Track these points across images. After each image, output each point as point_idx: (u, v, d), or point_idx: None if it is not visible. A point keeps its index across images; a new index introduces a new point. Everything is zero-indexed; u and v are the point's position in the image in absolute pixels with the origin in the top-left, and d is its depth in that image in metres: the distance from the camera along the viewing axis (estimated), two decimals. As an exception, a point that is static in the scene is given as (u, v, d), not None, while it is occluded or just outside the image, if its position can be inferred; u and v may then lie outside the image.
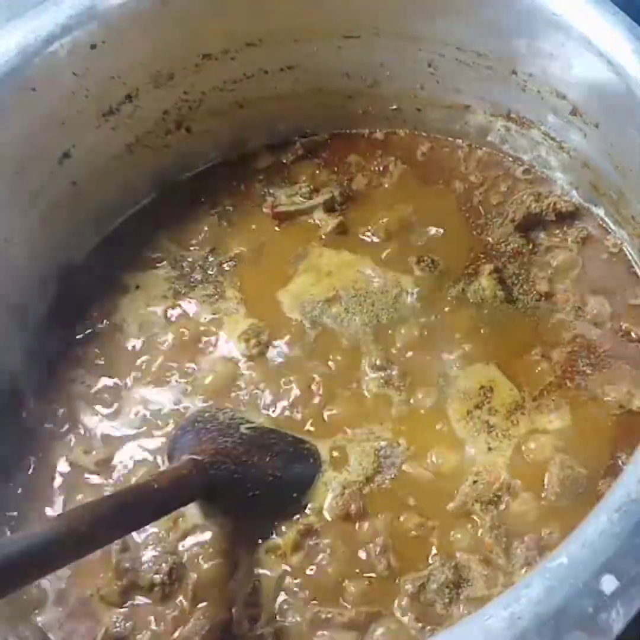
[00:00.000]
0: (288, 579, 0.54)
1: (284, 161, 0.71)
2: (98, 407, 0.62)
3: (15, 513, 0.58)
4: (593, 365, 0.58)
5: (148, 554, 0.56)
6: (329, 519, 0.55)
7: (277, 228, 0.68)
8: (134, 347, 0.64)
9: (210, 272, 0.67)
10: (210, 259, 0.67)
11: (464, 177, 0.68)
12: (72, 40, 0.58)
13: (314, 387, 0.60)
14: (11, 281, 0.63)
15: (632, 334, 0.59)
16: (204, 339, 0.64)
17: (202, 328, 0.64)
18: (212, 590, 0.54)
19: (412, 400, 0.59)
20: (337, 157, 0.71)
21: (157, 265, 0.67)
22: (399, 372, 0.60)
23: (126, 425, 0.61)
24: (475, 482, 0.54)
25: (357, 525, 0.55)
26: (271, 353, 0.62)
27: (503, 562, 0.52)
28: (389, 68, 0.66)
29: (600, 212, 0.63)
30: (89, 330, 0.65)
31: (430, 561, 0.52)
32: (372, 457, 0.56)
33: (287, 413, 0.60)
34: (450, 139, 0.70)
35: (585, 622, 0.35)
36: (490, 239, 0.65)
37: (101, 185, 0.67)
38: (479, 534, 0.53)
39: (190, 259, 0.68)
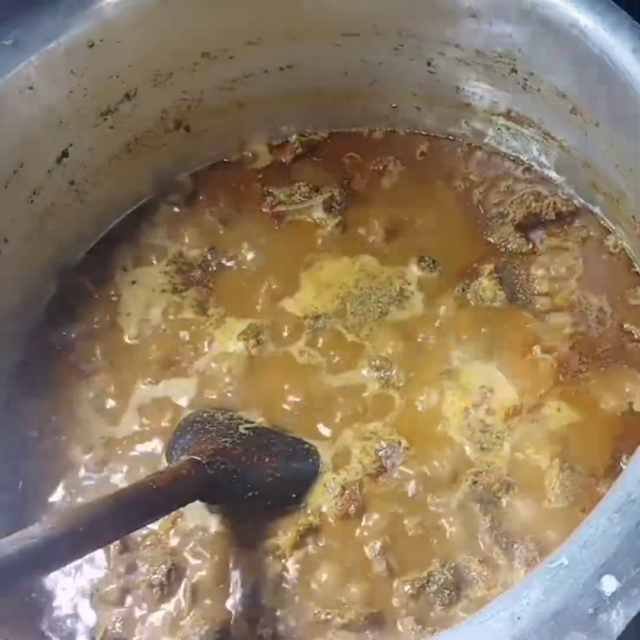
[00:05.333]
0: (287, 579, 0.54)
1: (283, 160, 0.71)
2: (97, 407, 0.62)
3: (14, 513, 0.58)
4: (593, 365, 0.58)
5: (147, 554, 0.56)
6: (329, 519, 0.55)
7: (276, 227, 0.68)
8: (133, 346, 0.64)
9: (209, 271, 0.67)
10: (209, 258, 0.67)
11: (464, 176, 0.68)
12: (70, 38, 0.58)
13: (314, 386, 0.60)
14: (10, 280, 0.63)
15: (633, 334, 0.59)
16: (203, 338, 0.63)
17: (201, 327, 0.64)
18: (210, 590, 0.54)
19: (412, 401, 0.59)
20: (337, 156, 0.71)
21: (156, 264, 0.67)
22: (399, 372, 0.60)
23: (125, 425, 0.61)
24: (475, 482, 0.54)
25: (356, 525, 0.54)
26: (271, 353, 0.62)
27: (503, 562, 0.52)
28: (388, 67, 0.66)
29: (600, 211, 0.63)
30: (88, 330, 0.65)
31: (430, 562, 0.52)
32: (372, 457, 0.56)
33: (286, 413, 0.60)
34: (449, 138, 0.70)
35: (585, 623, 0.35)
36: (490, 238, 0.65)
37: (100, 184, 0.67)
38: (478, 535, 0.53)
39: (189, 259, 0.67)
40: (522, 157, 0.67)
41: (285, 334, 0.63)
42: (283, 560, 0.54)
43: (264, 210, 0.69)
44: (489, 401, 0.57)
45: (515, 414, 0.57)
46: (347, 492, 0.55)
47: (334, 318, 0.63)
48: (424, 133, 0.70)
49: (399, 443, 0.57)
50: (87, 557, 0.55)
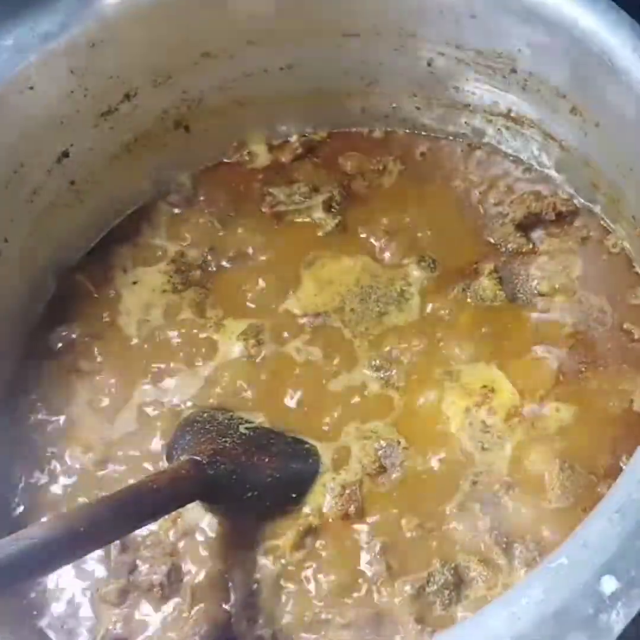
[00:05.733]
0: (287, 580, 0.54)
1: (283, 160, 0.71)
2: (97, 407, 0.62)
3: (14, 513, 0.58)
4: (593, 365, 0.58)
5: (147, 555, 0.56)
6: (328, 519, 0.55)
7: (276, 227, 0.68)
8: (132, 346, 0.64)
9: (208, 271, 0.67)
10: (209, 258, 0.67)
11: (464, 176, 0.68)
12: (71, 38, 0.58)
13: (313, 386, 0.60)
14: (9, 280, 0.63)
15: (633, 334, 0.59)
16: (203, 338, 0.63)
17: (201, 328, 0.64)
18: (210, 590, 0.54)
19: (412, 400, 0.59)
20: (336, 156, 0.71)
21: (156, 265, 0.67)
22: (399, 371, 0.60)
23: (125, 425, 0.61)
24: (475, 482, 0.54)
25: (356, 525, 0.54)
26: (271, 353, 0.62)
27: (503, 562, 0.52)
28: (388, 66, 0.66)
29: (600, 211, 0.63)
30: (88, 330, 0.65)
31: (430, 562, 0.52)
32: (372, 457, 0.56)
33: (286, 413, 0.60)
34: (449, 138, 0.70)
35: (586, 623, 0.35)
36: (490, 238, 0.65)
37: (100, 184, 0.67)
38: (478, 535, 0.53)
39: (188, 259, 0.67)
40: (522, 156, 0.67)
41: (285, 333, 0.63)
42: (283, 561, 0.54)
43: (264, 210, 0.68)
44: (491, 401, 0.57)
45: (516, 414, 0.57)
46: (347, 492, 0.55)
47: (334, 316, 0.63)
48: (423, 133, 0.70)
49: (399, 443, 0.57)
50: (87, 557, 0.55)
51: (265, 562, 0.54)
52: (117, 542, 0.55)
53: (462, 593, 0.51)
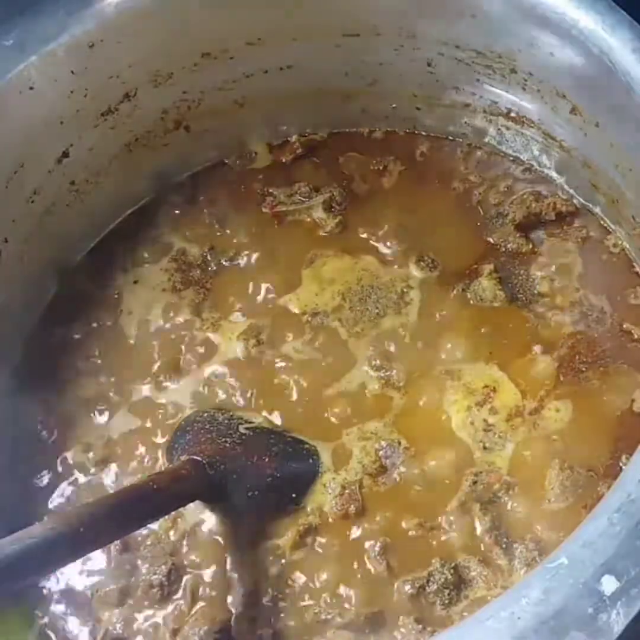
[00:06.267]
0: (287, 579, 0.54)
1: (283, 160, 0.71)
2: (97, 407, 0.62)
3: (14, 513, 0.58)
4: (593, 365, 0.58)
5: (147, 554, 0.56)
6: (329, 519, 0.55)
7: (276, 227, 0.68)
8: (133, 346, 0.64)
9: (208, 271, 0.67)
10: (209, 258, 0.67)
11: (464, 176, 0.68)
12: (71, 39, 0.58)
13: (313, 386, 0.60)
14: (10, 280, 0.63)
15: (633, 334, 0.59)
16: (204, 338, 0.63)
17: (202, 328, 0.64)
18: (210, 590, 0.54)
19: (412, 400, 0.59)
20: (336, 156, 0.70)
21: (156, 264, 0.67)
22: (399, 371, 0.60)
23: (125, 424, 0.61)
24: (475, 482, 0.54)
25: (356, 525, 0.55)
26: (271, 353, 0.62)
27: (503, 562, 0.52)
28: (388, 67, 0.66)
29: (600, 211, 0.63)
30: (88, 329, 0.65)
31: (429, 562, 0.52)
32: (372, 457, 0.56)
33: (286, 413, 0.60)
34: (449, 138, 0.70)
35: (585, 623, 0.35)
36: (490, 238, 0.65)
37: (100, 184, 0.67)
38: (478, 535, 0.53)
39: (189, 259, 0.67)
40: (522, 157, 0.67)
41: (285, 333, 0.62)
42: (283, 560, 0.54)
43: (264, 210, 0.68)
44: (493, 401, 0.57)
45: (519, 413, 0.57)
46: (347, 492, 0.55)
47: (333, 315, 0.63)
48: (423, 133, 0.70)
49: (399, 443, 0.57)
50: (87, 557, 0.55)
51: (266, 562, 0.54)
52: (117, 542, 0.55)
53: (462, 593, 0.51)
